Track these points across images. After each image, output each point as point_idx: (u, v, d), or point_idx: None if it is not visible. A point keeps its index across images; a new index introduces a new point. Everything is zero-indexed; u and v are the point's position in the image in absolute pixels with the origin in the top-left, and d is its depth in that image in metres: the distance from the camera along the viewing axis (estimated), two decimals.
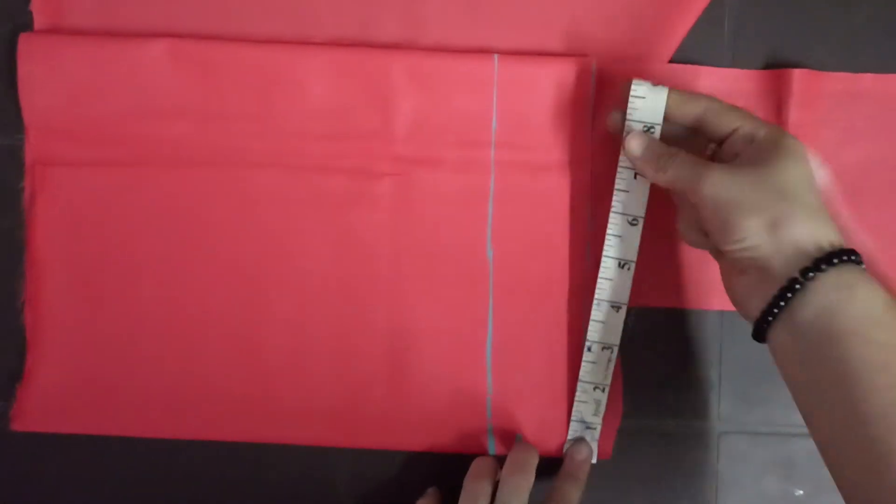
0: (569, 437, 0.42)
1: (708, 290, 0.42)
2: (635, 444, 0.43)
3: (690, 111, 0.37)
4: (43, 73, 0.41)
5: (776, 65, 0.42)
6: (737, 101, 0.41)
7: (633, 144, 0.37)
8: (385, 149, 0.42)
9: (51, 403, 0.42)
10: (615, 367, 0.41)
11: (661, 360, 0.43)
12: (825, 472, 0.33)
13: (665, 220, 0.41)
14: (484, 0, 0.42)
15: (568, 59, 0.41)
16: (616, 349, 0.41)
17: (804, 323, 0.32)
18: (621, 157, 0.39)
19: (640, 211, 0.39)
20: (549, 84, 0.41)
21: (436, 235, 0.42)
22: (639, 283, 0.40)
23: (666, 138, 0.38)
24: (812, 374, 0.32)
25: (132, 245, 0.42)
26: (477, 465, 0.40)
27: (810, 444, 0.33)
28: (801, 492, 0.43)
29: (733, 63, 0.42)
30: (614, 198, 0.39)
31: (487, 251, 0.42)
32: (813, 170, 0.35)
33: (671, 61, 0.42)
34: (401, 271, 0.42)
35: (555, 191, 0.42)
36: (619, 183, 0.39)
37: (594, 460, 0.41)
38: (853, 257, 0.33)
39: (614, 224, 0.40)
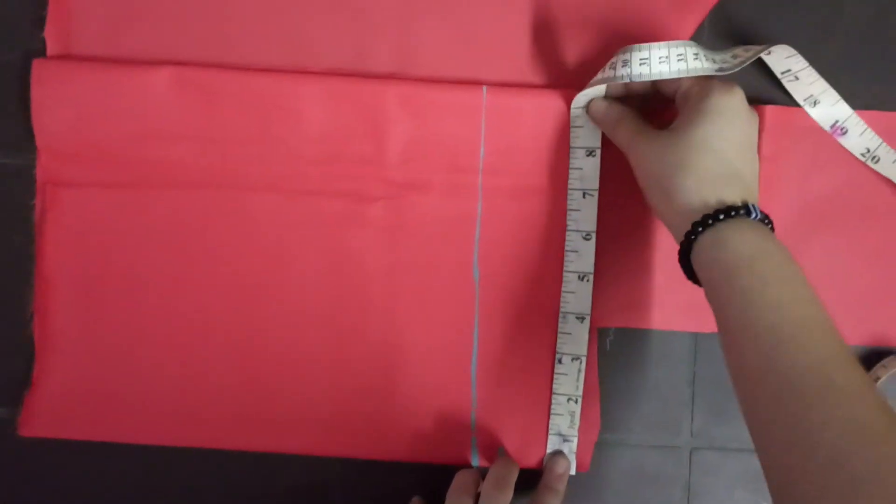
0: (548, 451, 0.44)
1: (681, 312, 0.44)
2: (611, 459, 0.44)
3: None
4: (54, 97, 0.43)
5: (750, 100, 0.43)
6: None
7: (593, 109, 0.42)
8: (378, 173, 0.44)
9: (57, 410, 0.44)
10: (593, 381, 0.43)
11: (636, 378, 0.45)
12: None
13: (640, 245, 0.43)
14: (474, 34, 0.44)
15: (552, 91, 0.43)
16: (584, 360, 0.43)
17: (702, 267, 0.36)
18: (570, 180, 0.43)
19: (592, 226, 0.43)
20: (534, 114, 0.43)
21: (425, 256, 0.44)
22: (616, 305, 0.42)
23: (635, 96, 0.42)
24: (715, 300, 0.35)
25: (135, 261, 0.44)
26: (459, 479, 0.42)
27: None
28: None
29: None
30: (568, 217, 0.43)
31: (474, 272, 0.44)
32: (735, 124, 0.37)
33: None
34: (392, 290, 0.44)
35: (538, 215, 0.44)
36: (571, 203, 0.43)
37: (573, 472, 0.44)
38: (741, 212, 0.35)
39: (570, 241, 0.43)
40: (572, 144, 0.43)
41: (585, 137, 0.42)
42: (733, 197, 0.36)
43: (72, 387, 0.44)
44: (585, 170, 0.43)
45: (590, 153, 0.43)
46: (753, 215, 0.36)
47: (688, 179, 0.36)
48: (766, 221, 0.37)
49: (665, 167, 0.37)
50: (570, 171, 0.43)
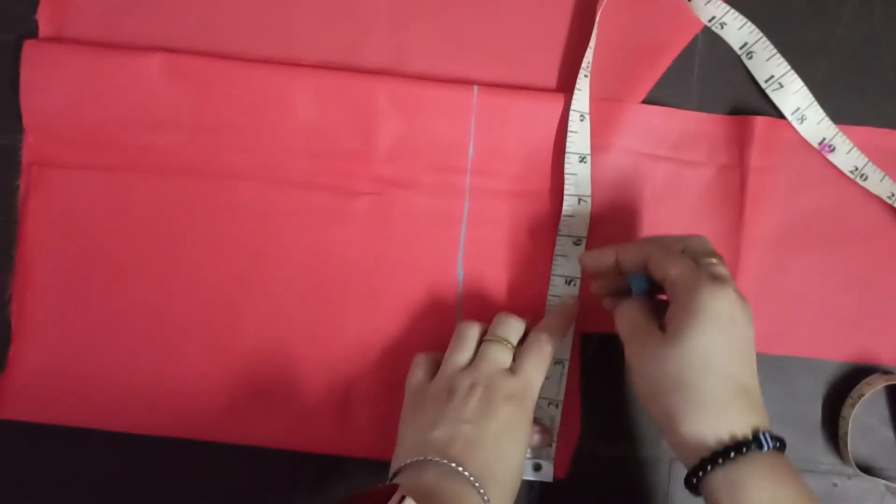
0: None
1: None
2: (590, 468, 0.44)
3: (635, 260, 0.38)
4: (44, 78, 0.43)
5: (740, 111, 0.44)
6: (702, 143, 0.44)
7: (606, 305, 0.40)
8: (365, 169, 0.44)
9: (31, 393, 0.43)
10: (574, 387, 0.43)
11: (616, 387, 0.44)
12: None
13: None
14: (466, 34, 0.44)
15: (543, 94, 0.43)
16: (567, 364, 0.42)
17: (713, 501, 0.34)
18: (566, 186, 0.42)
19: (583, 232, 0.43)
20: (524, 116, 0.43)
21: (409, 254, 0.44)
22: (595, 310, 0.42)
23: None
24: None
25: (118, 246, 0.43)
26: (460, 331, 0.41)
27: None
28: None
29: (700, 107, 0.44)
30: (561, 222, 0.43)
31: (458, 272, 0.44)
32: (732, 331, 0.34)
33: (643, 102, 0.44)
34: (374, 286, 0.44)
35: (525, 217, 0.44)
36: (567, 209, 0.43)
37: (550, 480, 0.43)
38: (752, 446, 0.33)
39: (560, 245, 0.43)
40: (567, 149, 0.42)
41: (580, 143, 0.42)
42: (743, 427, 0.33)
43: (47, 371, 0.43)
44: (579, 175, 0.43)
45: (582, 159, 0.42)
46: (766, 447, 0.33)
47: (690, 405, 0.33)
48: (779, 445, 0.33)
49: (662, 383, 0.34)
50: (566, 177, 0.43)
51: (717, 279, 0.35)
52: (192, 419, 0.43)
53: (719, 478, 0.33)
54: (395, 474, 0.36)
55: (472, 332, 0.41)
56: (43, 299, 0.43)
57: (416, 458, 0.36)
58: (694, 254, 0.37)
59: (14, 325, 0.43)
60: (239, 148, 0.43)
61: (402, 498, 0.31)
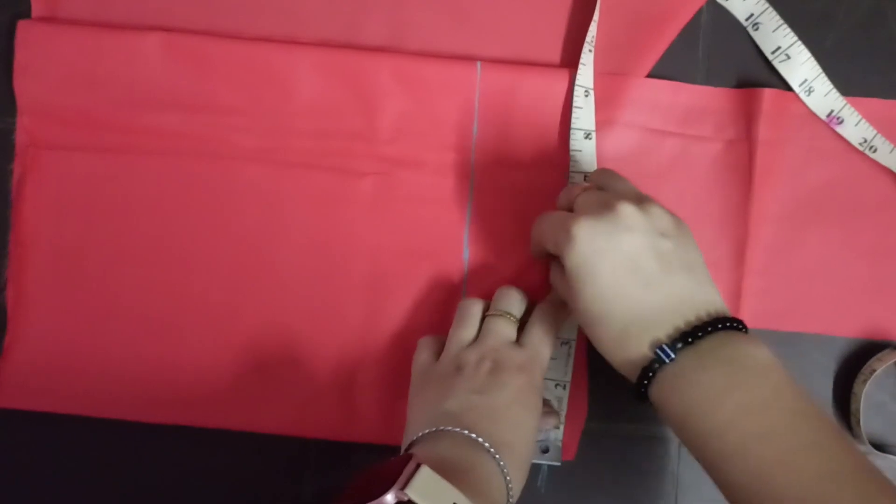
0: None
1: None
2: (597, 448, 0.43)
3: (539, 246, 0.39)
4: (39, 59, 0.42)
5: (747, 84, 0.43)
6: (709, 118, 0.43)
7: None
8: (368, 148, 0.43)
9: (28, 381, 0.42)
10: (581, 367, 0.42)
11: None
12: None
13: None
14: (469, 9, 0.43)
15: (548, 69, 0.42)
16: (573, 344, 0.42)
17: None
18: (571, 163, 0.42)
19: None
20: (528, 93, 0.42)
21: (414, 235, 0.43)
22: None
23: None
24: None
25: (117, 230, 0.43)
26: (463, 308, 0.41)
27: None
28: None
29: (707, 80, 0.43)
30: None
31: (464, 253, 0.43)
32: (597, 267, 0.34)
33: (648, 76, 0.43)
34: (378, 268, 0.43)
35: (531, 195, 0.43)
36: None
37: (558, 462, 0.42)
38: (656, 365, 0.33)
39: None
40: (572, 126, 0.42)
41: (585, 119, 0.42)
42: (641, 350, 0.34)
43: (44, 358, 0.42)
44: (584, 152, 0.42)
45: (587, 136, 0.42)
46: (667, 358, 0.33)
47: (604, 353, 0.35)
48: (691, 339, 0.33)
49: (588, 336, 0.36)
50: (571, 154, 0.42)
51: (567, 225, 0.34)
52: (193, 406, 0.43)
53: (652, 398, 0.34)
54: (408, 447, 0.36)
55: (475, 308, 0.40)
56: (39, 285, 0.42)
57: (428, 430, 0.35)
58: (567, 200, 0.38)
59: (10, 312, 0.42)
60: (239, 128, 0.43)
61: (418, 466, 0.31)
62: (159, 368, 0.43)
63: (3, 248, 0.43)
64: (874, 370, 0.42)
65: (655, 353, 0.33)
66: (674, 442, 0.44)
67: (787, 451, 0.31)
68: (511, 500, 0.34)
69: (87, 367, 0.42)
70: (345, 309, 0.43)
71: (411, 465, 0.31)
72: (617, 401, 0.43)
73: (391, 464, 0.32)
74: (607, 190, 0.37)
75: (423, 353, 0.40)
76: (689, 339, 0.33)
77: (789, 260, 0.43)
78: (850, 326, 0.44)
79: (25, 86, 0.42)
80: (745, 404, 0.32)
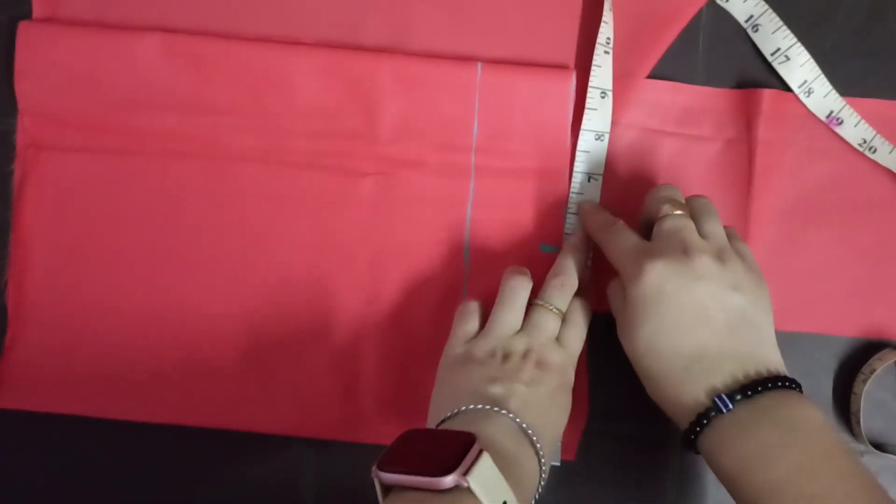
0: None
1: None
2: (597, 448, 0.43)
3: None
4: (40, 60, 0.42)
5: (746, 85, 0.43)
6: (709, 118, 0.43)
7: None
8: (369, 149, 0.43)
9: (26, 381, 0.42)
10: (582, 367, 0.42)
11: (624, 366, 0.43)
12: None
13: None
14: (470, 9, 0.43)
15: (549, 69, 0.42)
16: None
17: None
18: (576, 163, 0.42)
19: None
20: (530, 93, 0.42)
21: (414, 236, 0.43)
22: (604, 290, 0.41)
23: None
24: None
25: (117, 231, 0.43)
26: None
27: None
28: None
29: (706, 81, 0.43)
30: (570, 200, 0.42)
31: (464, 254, 0.43)
32: (662, 312, 0.35)
33: (648, 77, 0.43)
34: (378, 269, 0.43)
35: (532, 197, 0.43)
36: (574, 186, 0.42)
37: (557, 463, 0.42)
38: (712, 413, 0.34)
39: (570, 224, 0.42)
40: (583, 127, 0.42)
41: (597, 121, 0.42)
42: (697, 395, 0.34)
43: (43, 358, 0.42)
44: (592, 153, 0.42)
45: (599, 137, 0.42)
46: (725, 408, 0.33)
47: (652, 388, 0.36)
48: (750, 392, 0.33)
49: (633, 364, 0.37)
50: (577, 154, 0.42)
51: (641, 259, 0.36)
52: (193, 406, 0.43)
53: (701, 447, 0.35)
54: (448, 419, 0.35)
55: (523, 292, 0.40)
56: (39, 285, 0.43)
57: (474, 406, 0.35)
58: (650, 215, 0.38)
59: (10, 313, 0.43)
60: (239, 129, 0.43)
61: (480, 452, 0.30)
62: (159, 369, 0.43)
63: (3, 248, 0.43)
64: (874, 369, 0.42)
65: (713, 402, 0.33)
66: (673, 443, 0.44)
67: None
68: (536, 496, 0.35)
69: (87, 368, 0.42)
70: (345, 309, 0.43)
71: (475, 450, 0.30)
72: (617, 401, 0.43)
73: (450, 438, 0.31)
74: (696, 222, 0.37)
75: (468, 322, 0.40)
76: (748, 393, 0.33)
77: (789, 260, 0.43)
78: (849, 326, 0.44)
79: (26, 87, 0.42)
80: (801, 464, 0.32)
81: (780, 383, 0.34)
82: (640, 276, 0.35)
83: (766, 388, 0.33)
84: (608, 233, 0.39)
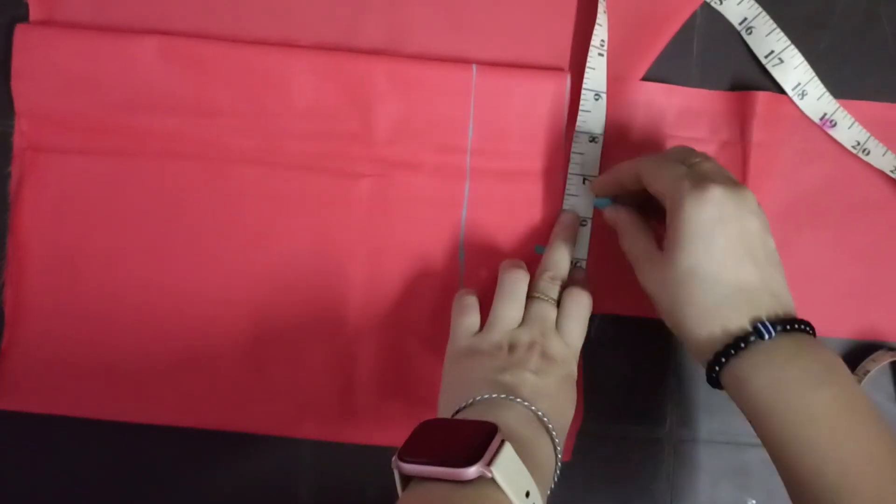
0: None
1: None
2: (592, 449, 0.44)
3: (630, 178, 0.39)
4: (37, 63, 0.42)
5: (741, 87, 0.43)
6: (704, 120, 0.43)
7: (606, 215, 0.41)
8: (365, 151, 0.43)
9: (25, 383, 0.42)
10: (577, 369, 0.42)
11: (620, 367, 0.44)
12: (778, 481, 0.34)
13: None
14: (466, 12, 0.43)
15: (544, 72, 0.43)
16: None
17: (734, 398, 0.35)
18: (571, 165, 0.42)
19: (589, 213, 0.42)
20: (525, 95, 0.43)
21: (410, 237, 0.43)
22: (600, 291, 0.41)
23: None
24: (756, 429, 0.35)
25: (114, 232, 0.43)
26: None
27: (764, 454, 0.34)
28: (754, 501, 0.44)
29: (701, 83, 0.44)
30: (565, 202, 0.42)
31: (460, 255, 0.43)
32: (717, 238, 0.35)
33: (643, 79, 0.43)
34: (375, 270, 0.43)
35: (527, 199, 0.43)
36: (570, 188, 0.42)
37: None
38: (752, 338, 0.34)
39: None
40: (578, 129, 0.42)
41: (592, 123, 0.42)
42: (740, 321, 0.34)
43: (42, 359, 0.43)
44: (587, 155, 0.42)
45: (592, 139, 0.42)
46: (768, 335, 0.33)
47: (687, 316, 0.35)
48: (789, 327, 0.34)
49: (664, 301, 0.36)
50: (572, 156, 0.42)
51: (700, 182, 0.35)
52: (192, 406, 0.43)
53: (727, 375, 0.34)
54: (463, 409, 0.35)
55: (522, 285, 0.40)
56: (38, 287, 0.43)
57: (488, 395, 0.35)
58: (682, 158, 0.38)
59: (8, 314, 0.43)
60: (236, 131, 0.43)
61: (502, 442, 0.30)
62: (158, 369, 0.43)
63: (1, 250, 0.43)
64: (868, 371, 0.43)
65: (755, 327, 0.34)
66: (669, 443, 0.44)
67: (883, 451, 0.32)
68: (552, 485, 0.35)
69: (86, 369, 0.43)
70: (342, 310, 0.43)
71: (497, 440, 0.30)
72: (613, 402, 0.44)
73: (471, 428, 0.31)
74: None
75: (468, 315, 0.40)
76: (787, 327, 0.34)
77: (783, 262, 0.43)
78: (843, 327, 0.44)
79: (23, 89, 0.42)
80: (839, 399, 0.33)
81: (809, 329, 0.35)
82: (703, 196, 0.35)
83: (801, 329, 0.34)
84: (658, 162, 0.38)
